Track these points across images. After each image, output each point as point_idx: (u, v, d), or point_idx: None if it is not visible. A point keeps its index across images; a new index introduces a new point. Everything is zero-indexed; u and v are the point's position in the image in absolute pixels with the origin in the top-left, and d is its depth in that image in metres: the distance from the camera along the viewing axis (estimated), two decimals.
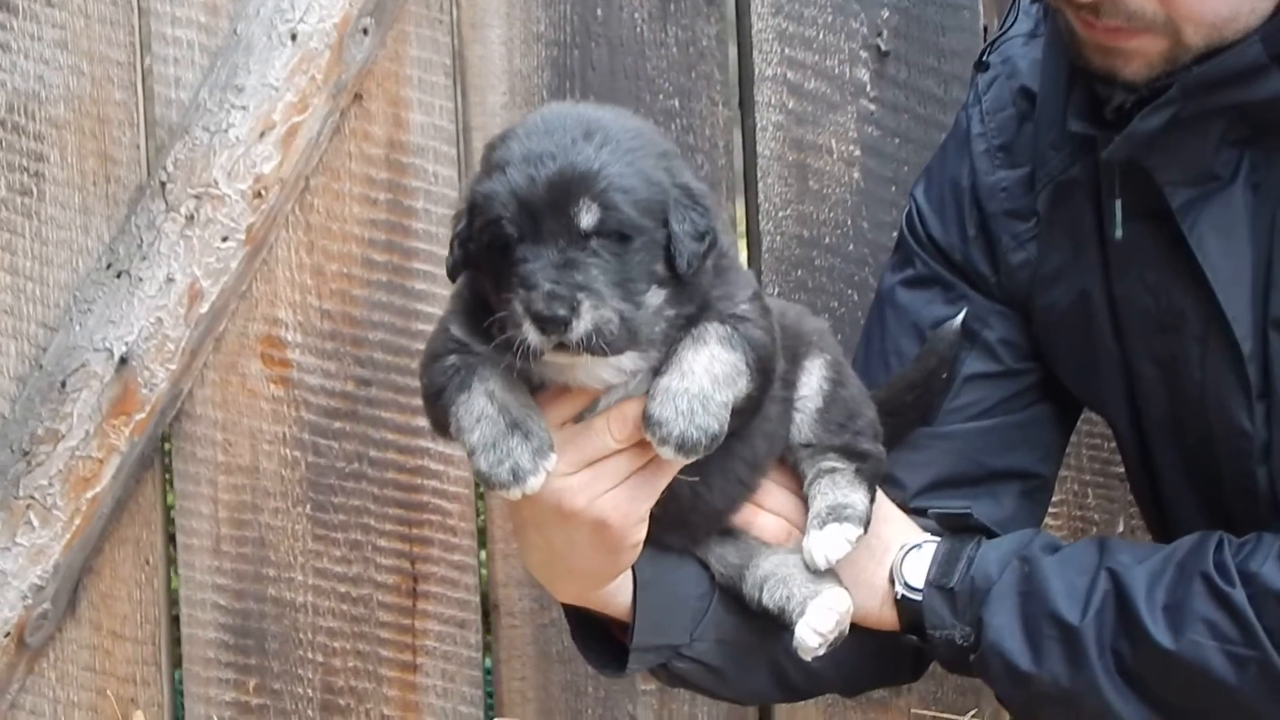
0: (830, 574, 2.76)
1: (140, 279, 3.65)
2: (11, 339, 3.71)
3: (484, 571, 3.87)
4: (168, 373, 3.68)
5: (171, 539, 3.81)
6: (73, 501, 3.67)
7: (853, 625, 2.77)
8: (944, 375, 3.04)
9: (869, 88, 3.81)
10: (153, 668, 3.79)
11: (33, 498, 3.67)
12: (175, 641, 3.81)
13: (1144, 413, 2.99)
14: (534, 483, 2.48)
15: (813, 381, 2.80)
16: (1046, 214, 3.00)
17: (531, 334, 2.39)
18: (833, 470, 2.79)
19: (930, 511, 2.98)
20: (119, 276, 3.66)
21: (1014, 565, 2.85)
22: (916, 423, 3.05)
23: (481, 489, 3.73)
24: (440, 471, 3.78)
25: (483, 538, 3.87)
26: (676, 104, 3.78)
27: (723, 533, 2.82)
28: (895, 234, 3.27)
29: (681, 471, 2.60)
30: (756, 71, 3.79)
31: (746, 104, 3.81)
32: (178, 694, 3.81)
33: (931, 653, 2.93)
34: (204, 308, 3.68)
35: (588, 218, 2.40)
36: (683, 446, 2.48)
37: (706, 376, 2.49)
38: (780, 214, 3.81)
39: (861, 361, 3.12)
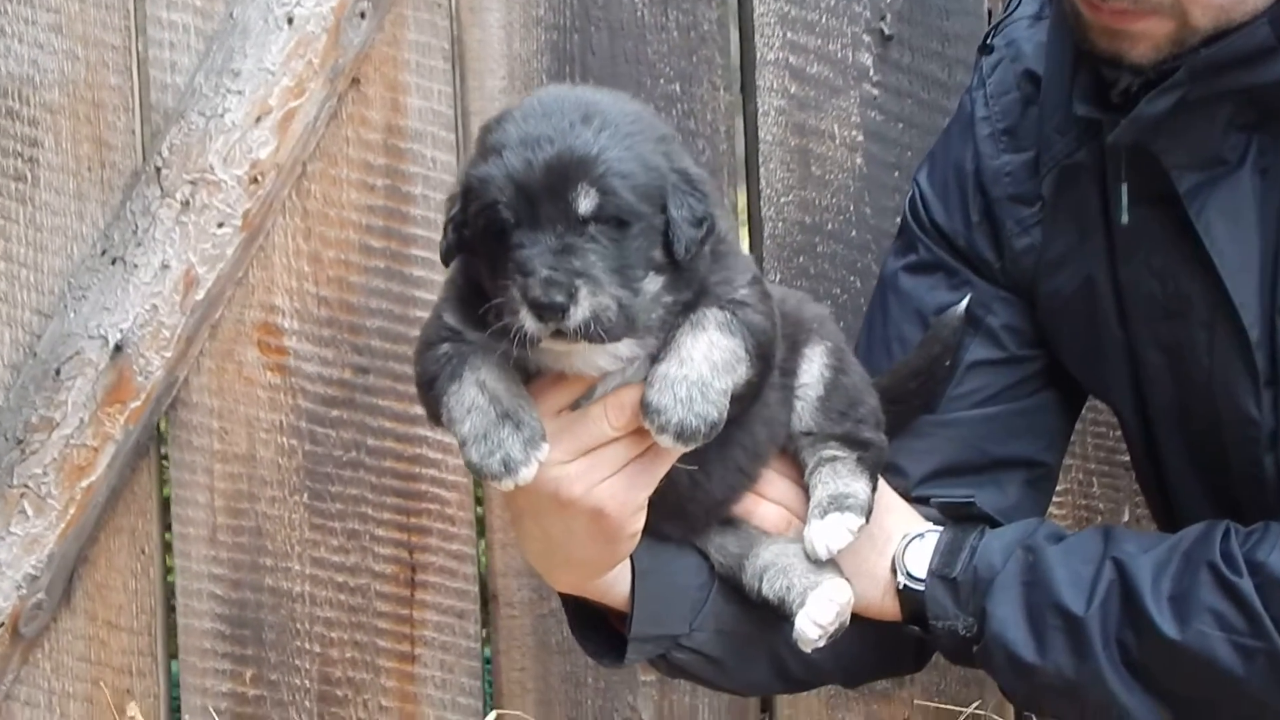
0: (831, 564, 2.75)
1: (135, 265, 3.64)
2: (6, 326, 3.70)
3: (483, 561, 3.86)
4: (163, 360, 3.66)
5: (167, 528, 3.80)
6: (67, 490, 3.66)
7: (854, 616, 2.75)
8: (947, 362, 3.03)
9: (872, 72, 3.79)
10: (148, 658, 3.78)
11: (27, 486, 3.65)
12: (171, 632, 3.80)
13: (1149, 400, 2.97)
14: (525, 474, 2.46)
15: (814, 369, 2.79)
16: (1051, 199, 2.98)
17: (528, 321, 2.37)
18: (834, 459, 2.78)
19: (933, 500, 2.97)
20: (114, 263, 3.64)
21: (1017, 555, 2.83)
22: (919, 410, 3.04)
23: None
24: (439, 460, 3.77)
25: (481, 527, 3.86)
26: (677, 89, 3.76)
27: (722, 522, 2.81)
28: (898, 220, 3.26)
29: (680, 460, 2.58)
30: (758, 56, 3.77)
31: (748, 89, 3.79)
32: (174, 685, 3.81)
33: (934, 644, 2.91)
34: (200, 295, 3.66)
35: (586, 203, 2.38)
36: (681, 434, 2.46)
37: (705, 363, 2.47)
38: (782, 200, 3.79)
39: (864, 348, 3.11)
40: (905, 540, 2.87)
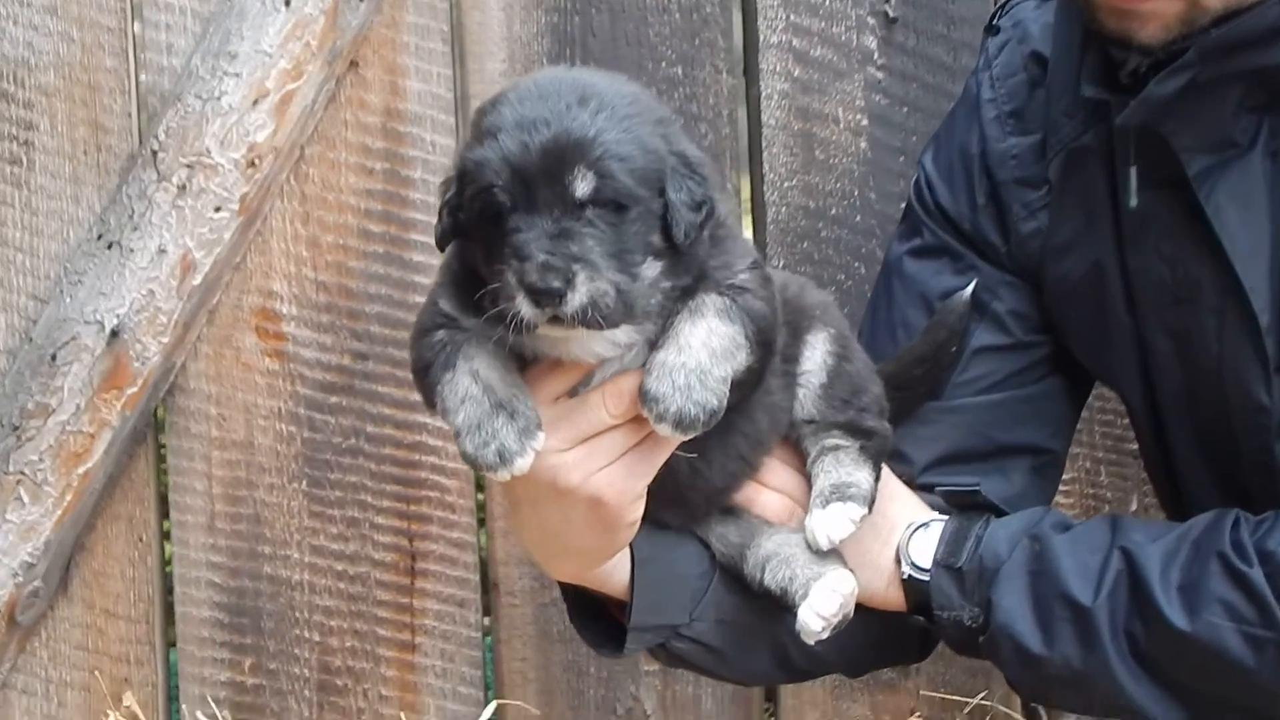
0: (834, 554, 2.72)
1: (131, 250, 3.63)
2: (1, 311, 3.69)
3: (483, 549, 3.84)
4: (160, 346, 3.65)
5: (165, 515, 3.79)
6: (64, 477, 3.65)
7: (858, 606, 2.73)
8: (953, 348, 3.01)
9: (876, 55, 3.77)
10: (146, 647, 3.77)
11: (23, 473, 3.65)
12: (169, 620, 3.80)
13: (1158, 387, 2.95)
14: (521, 464, 2.44)
15: (816, 356, 2.76)
16: (1058, 182, 2.96)
17: (525, 307, 2.34)
18: (836, 448, 2.75)
19: (937, 489, 2.95)
20: (110, 248, 3.63)
21: (1024, 544, 2.81)
22: (925, 397, 3.01)
23: None
24: (439, 447, 3.76)
25: (482, 515, 3.85)
26: (679, 72, 3.74)
27: (724, 511, 2.78)
28: (903, 205, 3.24)
29: (680, 447, 2.55)
30: (761, 38, 3.75)
31: (751, 72, 3.77)
32: (172, 674, 3.80)
33: (939, 634, 2.89)
34: (197, 279, 3.65)
35: (583, 186, 2.35)
36: (680, 423, 2.43)
37: (704, 350, 2.45)
38: (785, 185, 3.77)
39: (868, 333, 3.09)
40: (910, 530, 2.85)
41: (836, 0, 3.75)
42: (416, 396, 2.57)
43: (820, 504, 2.71)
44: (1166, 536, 2.76)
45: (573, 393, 2.52)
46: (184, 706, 3.75)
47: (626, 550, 2.69)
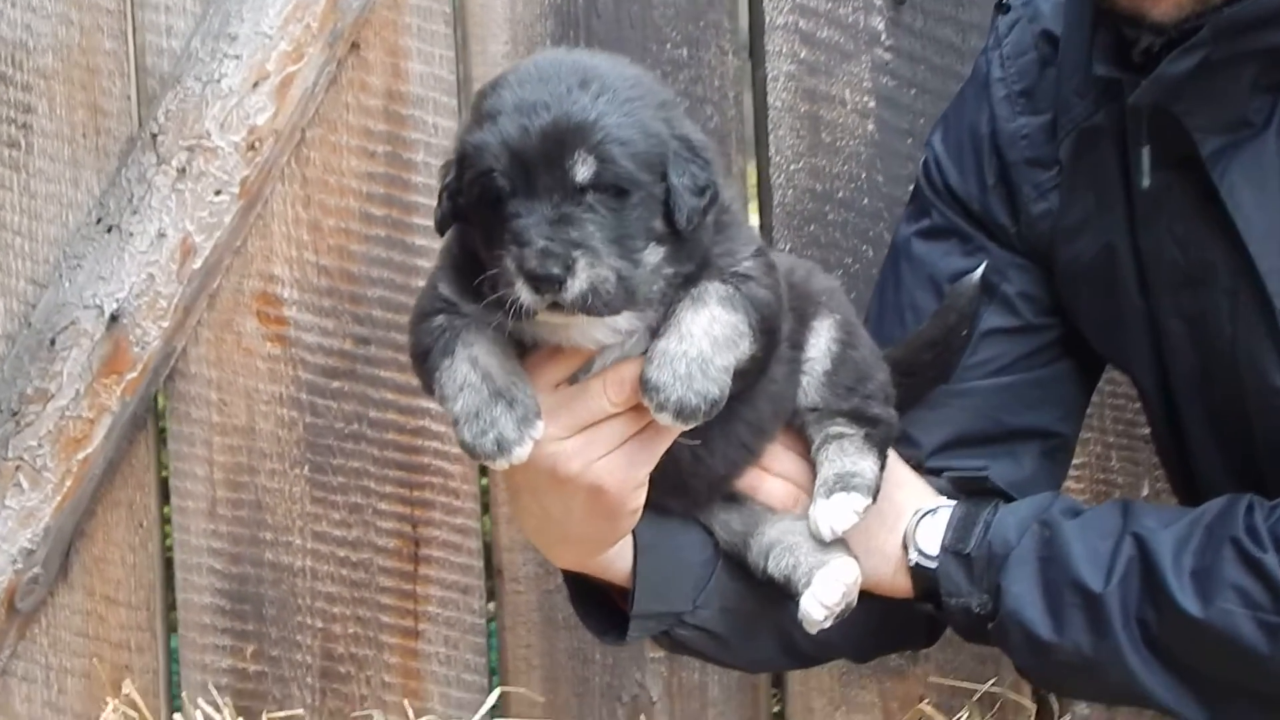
0: (838, 542, 2.70)
1: (131, 234, 3.62)
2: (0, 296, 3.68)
3: (487, 535, 3.83)
4: (160, 330, 3.64)
5: (166, 501, 3.78)
6: (63, 463, 3.65)
7: (863, 591, 2.71)
8: (964, 333, 2.98)
9: (884, 36, 3.74)
10: (147, 634, 3.77)
11: (22, 459, 3.64)
12: (170, 607, 3.79)
13: (1171, 370, 2.93)
14: (519, 453, 2.42)
15: (820, 343, 2.74)
16: (1069, 163, 2.93)
17: (524, 293, 2.32)
18: (840, 436, 2.73)
19: (945, 474, 2.93)
20: (109, 231, 3.62)
21: (1033, 530, 2.79)
22: (934, 382, 2.99)
23: None
24: (442, 433, 3.75)
25: (486, 500, 3.83)
26: (684, 53, 3.72)
27: (727, 498, 2.76)
28: (911, 188, 3.21)
29: (682, 435, 2.53)
30: (767, 20, 3.73)
31: (757, 53, 3.75)
32: (173, 661, 3.79)
33: (947, 621, 2.87)
34: (197, 264, 3.64)
35: (583, 171, 2.33)
36: (681, 413, 2.41)
37: (706, 339, 2.42)
38: (792, 168, 3.75)
39: (875, 315, 3.07)
40: (917, 516, 2.83)
41: None
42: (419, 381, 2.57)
43: (824, 493, 2.69)
44: (1179, 522, 2.74)
45: (573, 380, 2.50)
46: (185, 694, 3.74)
47: (629, 537, 2.67)
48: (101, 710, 3.70)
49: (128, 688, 3.70)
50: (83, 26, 3.63)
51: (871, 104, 3.74)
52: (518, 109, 2.34)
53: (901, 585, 2.83)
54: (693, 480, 2.67)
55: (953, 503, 2.85)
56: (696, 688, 3.82)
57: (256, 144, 3.60)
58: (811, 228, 3.74)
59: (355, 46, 3.66)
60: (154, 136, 3.59)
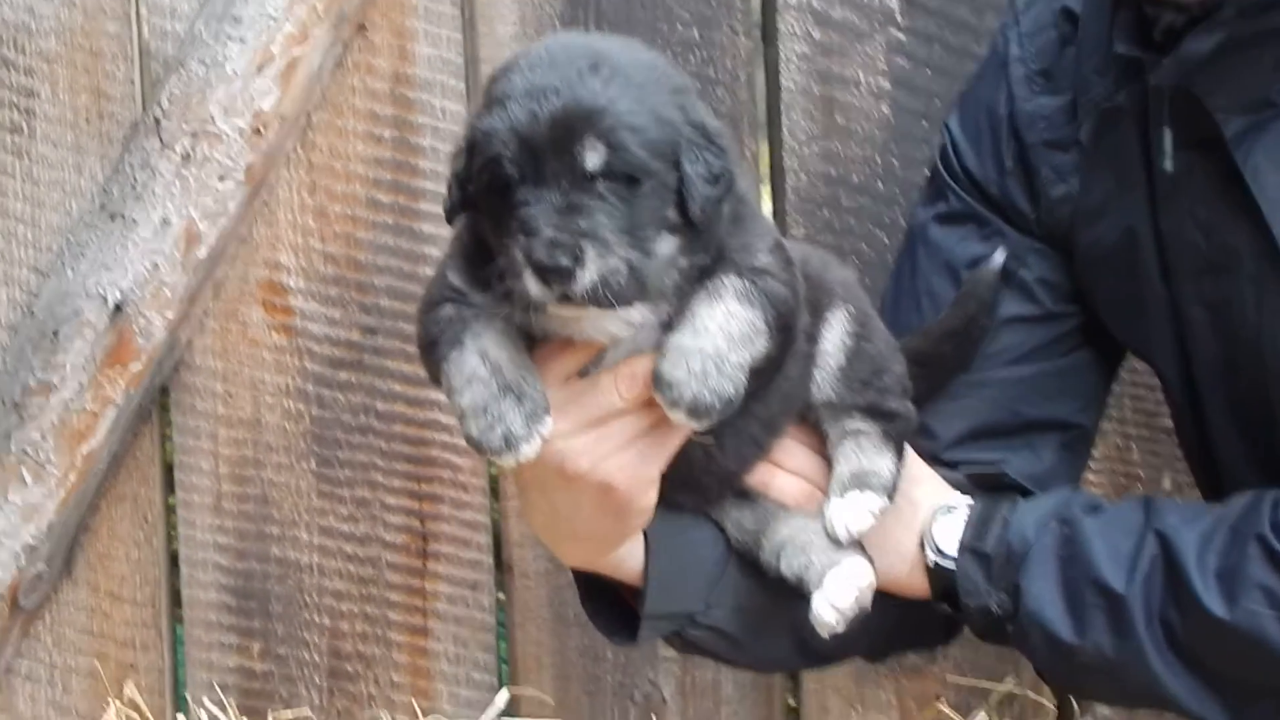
0: (852, 541, 2.66)
1: (135, 221, 3.59)
2: (2, 285, 3.67)
3: (497, 530, 3.79)
4: (165, 321, 3.61)
5: (171, 495, 3.76)
6: (67, 457, 3.62)
7: (880, 592, 2.67)
8: (984, 322, 2.94)
9: (899, 16, 3.69)
10: (152, 631, 3.74)
11: (25, 453, 3.62)
12: (176, 603, 3.76)
13: (1193, 358, 2.88)
14: (527, 450, 2.38)
15: (834, 336, 2.69)
16: (1090, 144, 2.89)
17: (532, 285, 2.29)
18: (857, 433, 2.68)
19: (962, 469, 2.89)
20: (113, 219, 3.59)
21: (1053, 527, 2.75)
22: (954, 373, 2.95)
23: None
24: (451, 425, 3.69)
25: (495, 495, 3.79)
26: (696, 34, 3.67)
27: (739, 495, 2.72)
28: (927, 171, 3.18)
29: (695, 433, 2.49)
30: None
31: (769, 34, 3.70)
32: (179, 658, 3.77)
33: (965, 622, 2.83)
34: (202, 252, 3.61)
35: (593, 158, 2.29)
36: (695, 411, 2.37)
37: (721, 335, 2.38)
38: (805, 151, 3.70)
39: (890, 302, 3.04)
40: (934, 514, 2.79)
41: None
42: None
43: (839, 493, 2.65)
44: (1203, 519, 2.70)
45: (583, 373, 2.46)
46: (191, 692, 3.72)
47: (640, 535, 2.63)
48: (105, 710, 3.68)
49: (130, 690, 3.69)
50: (86, 9, 3.61)
51: (886, 85, 3.69)
52: (527, 94, 2.31)
53: (918, 585, 2.79)
54: (704, 476, 2.63)
55: (970, 500, 2.81)
56: (710, 686, 3.79)
57: (261, 129, 3.56)
58: (825, 212, 3.70)
59: (361, 28, 3.62)
60: (158, 121, 3.56)
